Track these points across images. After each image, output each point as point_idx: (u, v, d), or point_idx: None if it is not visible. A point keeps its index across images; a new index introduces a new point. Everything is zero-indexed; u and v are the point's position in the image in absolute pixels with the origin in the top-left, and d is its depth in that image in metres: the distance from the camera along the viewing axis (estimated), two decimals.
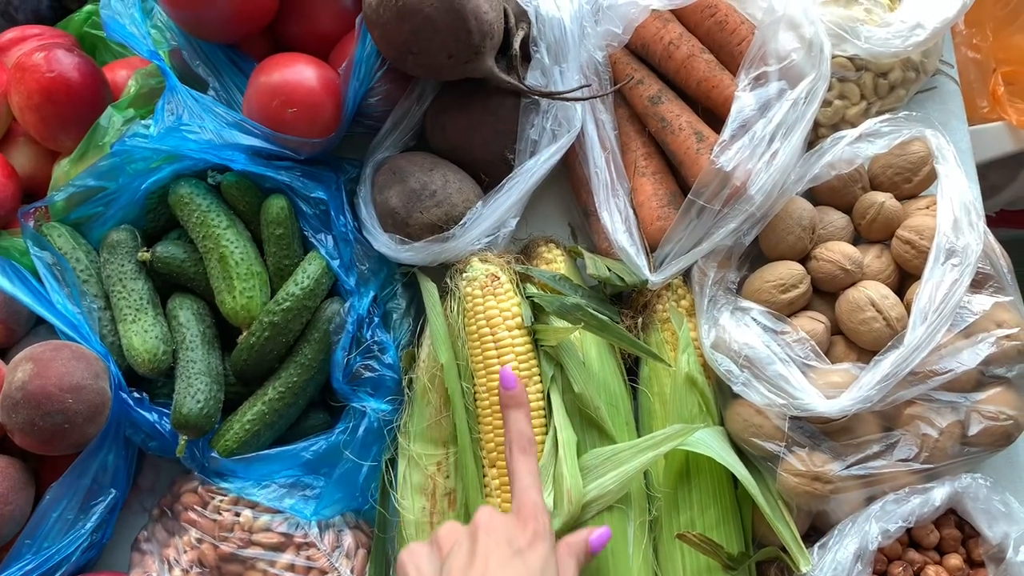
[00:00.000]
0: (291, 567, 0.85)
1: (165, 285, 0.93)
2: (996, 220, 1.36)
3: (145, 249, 0.91)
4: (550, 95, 0.89)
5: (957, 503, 0.81)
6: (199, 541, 0.86)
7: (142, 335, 0.87)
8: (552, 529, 0.70)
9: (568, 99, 0.89)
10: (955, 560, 0.81)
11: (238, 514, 0.86)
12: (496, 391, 0.85)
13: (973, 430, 0.80)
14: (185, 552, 0.86)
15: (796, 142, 0.84)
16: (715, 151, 0.84)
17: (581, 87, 0.90)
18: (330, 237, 0.91)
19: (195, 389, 0.85)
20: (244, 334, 0.89)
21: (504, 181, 0.89)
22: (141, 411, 0.87)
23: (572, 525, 0.82)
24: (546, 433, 0.85)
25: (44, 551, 0.83)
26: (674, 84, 0.95)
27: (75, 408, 0.81)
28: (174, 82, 0.89)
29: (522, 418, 0.75)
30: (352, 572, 0.86)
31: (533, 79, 0.91)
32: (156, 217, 0.94)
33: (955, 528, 0.82)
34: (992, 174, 1.28)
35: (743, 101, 0.85)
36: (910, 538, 0.82)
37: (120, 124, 0.94)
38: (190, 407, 0.84)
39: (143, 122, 0.91)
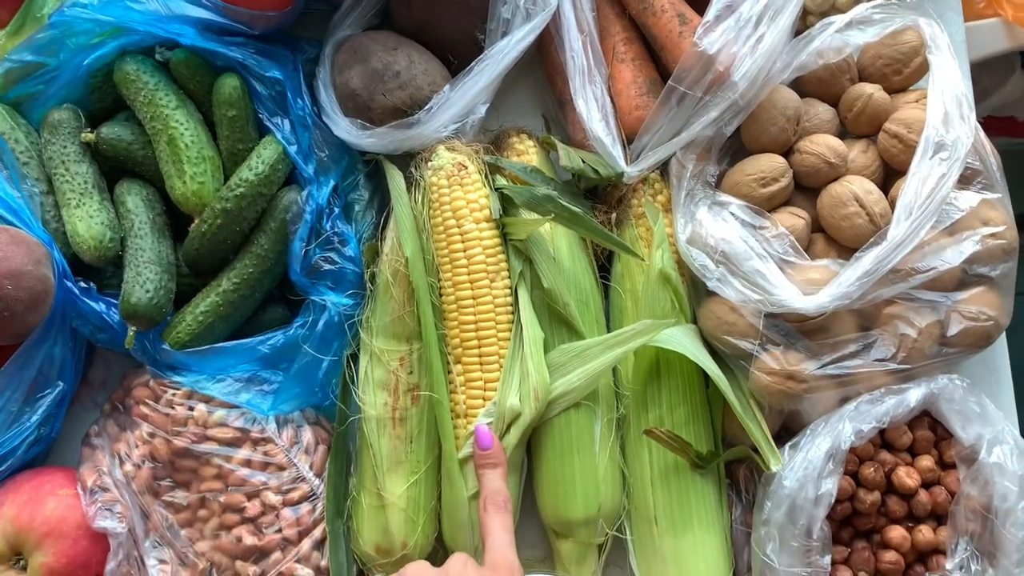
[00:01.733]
0: (247, 463, 0.82)
1: (112, 170, 0.88)
2: (983, 127, 1.32)
3: (89, 130, 0.86)
4: None
5: (932, 404, 0.79)
6: (151, 436, 0.82)
7: (87, 221, 0.82)
8: None
9: None
10: (926, 461, 0.79)
11: (192, 408, 0.83)
12: (462, 285, 0.82)
13: (952, 330, 0.78)
14: (136, 447, 0.83)
15: (784, 25, 0.80)
16: (698, 32, 0.79)
17: None
18: (287, 121, 0.86)
19: (144, 278, 0.81)
20: (196, 222, 0.84)
21: (473, 63, 0.84)
22: (88, 301, 0.83)
23: (538, 421, 0.80)
24: (512, 331, 0.82)
25: None
26: None
27: (15, 295, 0.76)
28: None
29: (498, 477, 0.73)
30: (311, 468, 0.83)
31: None
32: (101, 96, 0.88)
33: (928, 430, 0.81)
34: (983, 78, 1.24)
35: None
36: (883, 439, 0.81)
37: None
38: (139, 296, 0.80)
39: None
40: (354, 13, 0.89)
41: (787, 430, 0.82)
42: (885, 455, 0.80)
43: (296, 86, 0.86)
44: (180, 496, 0.82)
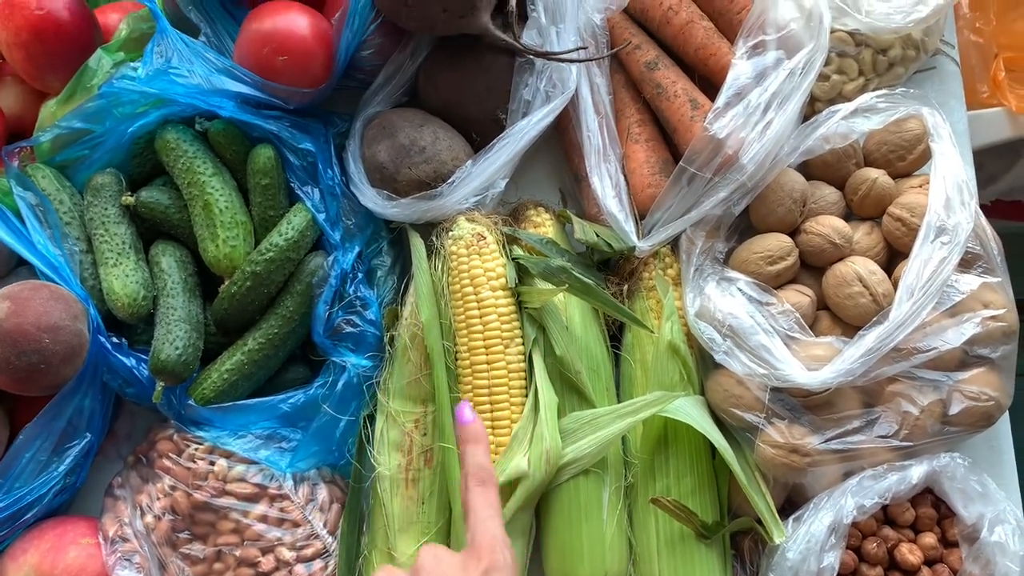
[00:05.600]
0: (264, 518, 0.84)
1: (148, 231, 0.92)
2: (991, 210, 1.35)
3: (129, 194, 0.90)
4: (545, 55, 0.88)
5: (934, 482, 0.81)
6: (172, 488, 0.85)
7: (123, 279, 0.86)
8: (514, 565, 0.61)
9: (563, 60, 0.88)
10: (929, 539, 0.80)
11: (213, 463, 0.85)
12: (477, 351, 0.84)
13: (954, 409, 0.80)
14: (158, 499, 0.85)
15: (791, 113, 0.84)
16: (709, 118, 0.83)
17: (577, 49, 0.89)
18: (317, 190, 0.90)
19: (174, 336, 0.85)
20: (226, 283, 0.88)
21: (495, 141, 0.88)
22: (119, 356, 0.86)
23: (548, 486, 0.82)
24: (526, 395, 0.85)
25: (16, 491, 0.83)
26: (671, 50, 0.94)
27: (52, 348, 0.80)
28: (165, 25, 0.88)
29: (480, 452, 0.67)
30: (325, 526, 0.85)
31: (529, 38, 0.90)
32: (142, 162, 0.93)
33: (931, 507, 0.82)
34: (989, 163, 1.27)
35: (739, 69, 0.84)
36: (885, 515, 0.82)
37: (109, 67, 0.92)
38: (168, 353, 0.84)
39: (132, 65, 0.90)
40: (384, 91, 0.93)
41: (791, 503, 0.84)
42: (888, 531, 0.81)
43: (327, 157, 0.90)
44: (197, 549, 0.84)
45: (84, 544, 0.84)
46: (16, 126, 0.99)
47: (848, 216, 0.89)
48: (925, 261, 0.78)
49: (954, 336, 0.80)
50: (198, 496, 0.84)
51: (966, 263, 0.82)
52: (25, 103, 0.99)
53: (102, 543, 0.85)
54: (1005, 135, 1.09)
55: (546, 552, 0.84)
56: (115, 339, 0.88)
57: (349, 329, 0.87)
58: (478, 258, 0.86)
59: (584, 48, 0.90)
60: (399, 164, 0.88)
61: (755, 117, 0.83)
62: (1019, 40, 1.10)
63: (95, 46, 0.94)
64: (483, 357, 0.84)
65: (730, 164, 0.83)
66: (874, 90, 0.94)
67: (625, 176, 0.91)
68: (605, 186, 0.89)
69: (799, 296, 0.84)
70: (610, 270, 0.93)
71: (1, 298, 0.81)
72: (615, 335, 0.91)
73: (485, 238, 0.87)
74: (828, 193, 0.89)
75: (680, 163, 0.85)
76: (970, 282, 0.81)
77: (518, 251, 0.89)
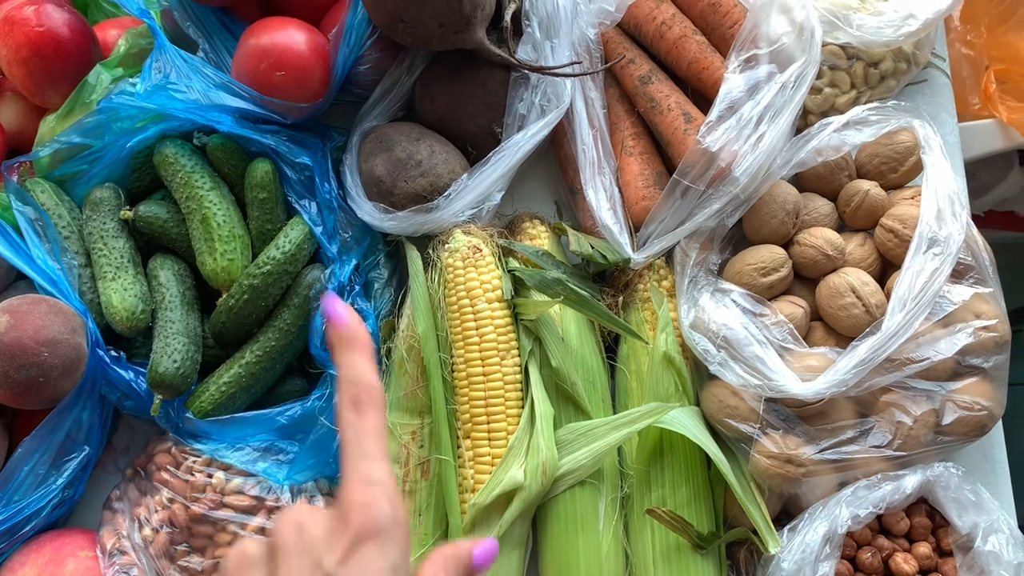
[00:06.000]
0: (262, 530, 0.84)
1: (147, 245, 0.93)
2: (984, 220, 1.36)
3: (128, 208, 0.91)
4: (540, 70, 0.89)
5: (928, 491, 0.81)
6: (170, 501, 0.85)
7: (121, 293, 0.87)
8: (399, 518, 0.43)
9: (558, 75, 0.89)
10: (924, 548, 0.81)
11: (211, 476, 0.85)
12: (473, 362, 0.85)
13: (947, 419, 0.80)
14: (156, 512, 0.85)
15: (783, 125, 0.84)
16: (701, 131, 0.84)
17: (572, 63, 0.90)
18: (314, 203, 0.91)
19: (172, 349, 0.85)
20: (223, 296, 0.88)
21: (491, 154, 0.89)
22: (117, 369, 0.87)
23: (544, 497, 0.82)
24: (522, 407, 0.86)
25: (14, 504, 0.83)
26: (665, 65, 0.95)
27: (50, 362, 0.80)
28: (163, 41, 0.89)
29: (359, 361, 0.47)
30: None
31: (524, 53, 0.91)
32: (141, 177, 0.94)
33: (925, 517, 0.82)
34: (982, 173, 1.28)
35: (732, 83, 0.85)
36: (880, 524, 0.82)
37: (108, 82, 0.93)
38: (166, 366, 0.84)
39: (130, 80, 0.91)
40: (381, 105, 0.94)
41: (787, 514, 0.84)
42: (883, 540, 0.81)
43: (324, 171, 0.91)
44: (195, 561, 0.84)
45: (82, 557, 0.84)
46: (16, 141, 0.99)
47: (841, 228, 0.90)
48: (917, 272, 0.79)
49: (947, 346, 0.80)
50: (196, 508, 0.84)
51: (958, 274, 0.83)
52: (25, 118, 1.00)
53: (100, 556, 0.85)
54: (997, 146, 1.10)
55: (542, 563, 0.84)
56: (113, 352, 0.88)
57: None
58: (474, 270, 0.87)
59: (578, 63, 0.91)
60: (396, 177, 0.88)
61: (748, 130, 0.84)
62: (1010, 52, 1.11)
63: (94, 62, 0.95)
64: (479, 369, 0.85)
65: (723, 177, 0.84)
66: (866, 103, 0.95)
67: (620, 189, 0.92)
68: (600, 199, 0.90)
69: (792, 307, 0.84)
70: (605, 282, 0.94)
71: (0, 312, 0.82)
72: (611, 347, 0.92)
73: (481, 250, 0.88)
74: (821, 205, 0.90)
75: (674, 176, 0.86)
76: (962, 293, 0.82)
77: (514, 263, 0.89)
